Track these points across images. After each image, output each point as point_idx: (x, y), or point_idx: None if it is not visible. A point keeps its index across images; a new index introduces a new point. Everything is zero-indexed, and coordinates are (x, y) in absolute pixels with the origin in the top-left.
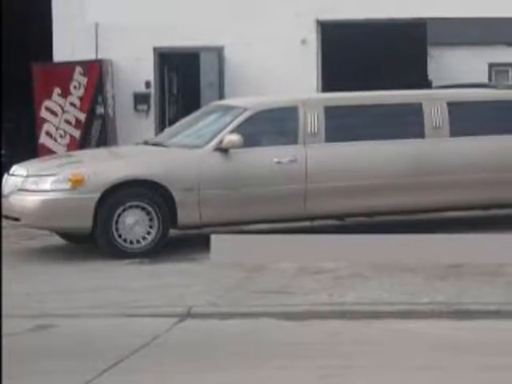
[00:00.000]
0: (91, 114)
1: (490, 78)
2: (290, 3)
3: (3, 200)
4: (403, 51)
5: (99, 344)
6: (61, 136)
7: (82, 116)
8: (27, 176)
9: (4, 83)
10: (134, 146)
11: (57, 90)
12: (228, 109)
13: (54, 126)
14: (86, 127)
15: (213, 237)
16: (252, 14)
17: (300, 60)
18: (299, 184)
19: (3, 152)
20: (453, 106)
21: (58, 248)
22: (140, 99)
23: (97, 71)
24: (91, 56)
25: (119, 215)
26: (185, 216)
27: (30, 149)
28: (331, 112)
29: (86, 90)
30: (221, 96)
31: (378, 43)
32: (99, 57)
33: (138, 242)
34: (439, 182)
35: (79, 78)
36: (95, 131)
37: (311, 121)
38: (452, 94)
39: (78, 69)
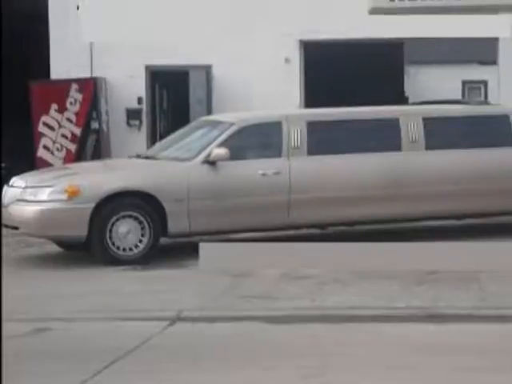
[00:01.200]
0: (86, 128)
1: (463, 95)
2: (275, 24)
3: (3, 210)
4: (381, 69)
5: (94, 346)
6: (58, 149)
7: (78, 130)
8: (26, 187)
9: (4, 100)
10: (127, 159)
11: (54, 106)
12: (216, 124)
13: (51, 140)
14: (81, 141)
15: (201, 245)
16: (238, 35)
17: (284, 78)
18: (283, 195)
19: (3, 165)
20: (428, 121)
21: (54, 255)
22: (132, 115)
23: (91, 88)
24: (86, 74)
25: (113, 224)
26: (175, 225)
27: (29, 162)
28: (313, 127)
29: (81, 106)
30: (209, 112)
31: (358, 62)
32: (94, 75)
33: (130, 249)
34: (415, 192)
35: (75, 95)
36: (90, 145)
37: (294, 135)
38: (427, 110)
39: (74, 86)
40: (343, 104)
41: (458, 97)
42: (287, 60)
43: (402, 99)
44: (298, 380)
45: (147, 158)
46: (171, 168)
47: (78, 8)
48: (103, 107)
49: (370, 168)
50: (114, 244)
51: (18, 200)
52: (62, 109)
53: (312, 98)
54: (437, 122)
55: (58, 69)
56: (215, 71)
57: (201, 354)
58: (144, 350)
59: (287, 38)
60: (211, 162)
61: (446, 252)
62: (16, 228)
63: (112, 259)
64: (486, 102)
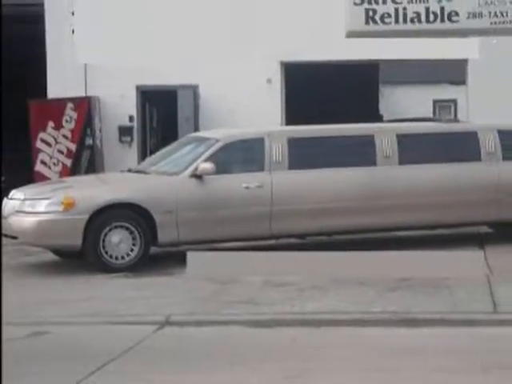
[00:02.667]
0: (81, 144)
1: (434, 113)
2: (257, 47)
3: (3, 220)
4: (358, 89)
5: (88, 348)
6: (54, 164)
7: (73, 146)
8: (24, 199)
9: (4, 117)
10: (119, 173)
11: (50, 124)
12: (202, 140)
13: (48, 155)
14: (76, 156)
15: (189, 253)
16: (223, 56)
17: (266, 97)
18: (265, 207)
19: (3, 178)
20: (401, 138)
21: (51, 263)
22: (124, 132)
23: (86, 107)
24: (81, 93)
25: (106, 234)
26: (164, 235)
27: (27, 175)
28: (294, 143)
29: (76, 123)
30: (196, 129)
31: (336, 82)
32: (88, 94)
33: (122, 257)
34: (389, 204)
35: (70, 113)
36: (84, 160)
37: (276, 151)
38: (400, 127)
39: (70, 105)
40: (322, 122)
41: (430, 115)
42: (269, 80)
43: (376, 117)
44: (280, 380)
45: (138, 172)
46: (161, 181)
47: (73, 32)
48: (97, 125)
49: (347, 181)
50: (107, 253)
51: (17, 211)
52: (58, 126)
53: (292, 116)
54: (409, 138)
55: (55, 89)
56: (202, 91)
57: (188, 356)
58: (135, 352)
59: (269, 60)
60: (198, 176)
61: (418, 260)
62: (15, 237)
63: (105, 267)
64: (455, 119)
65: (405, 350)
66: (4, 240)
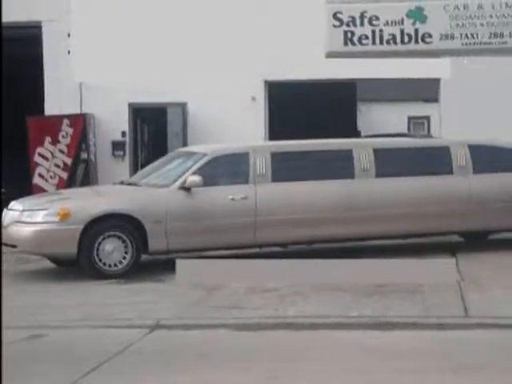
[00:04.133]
0: (76, 158)
1: (408, 129)
2: (242, 66)
3: (3, 230)
4: (337, 106)
5: (83, 350)
6: (51, 177)
7: (69, 160)
8: (23, 210)
9: (4, 133)
10: (112, 186)
11: (48, 139)
12: (190, 154)
13: (45, 168)
14: (72, 170)
15: (178, 261)
16: (211, 76)
17: (250, 114)
18: (250, 217)
19: (3, 190)
20: (378, 152)
21: (48, 270)
22: (117, 146)
23: (81, 123)
24: (76, 110)
25: (100, 243)
26: (154, 244)
27: (26, 188)
28: (277, 157)
29: (72, 138)
30: (184, 144)
31: (316, 100)
32: (83, 111)
33: (115, 265)
34: (366, 215)
35: (66, 129)
36: (80, 173)
37: (260, 164)
38: (377, 142)
39: (66, 121)
40: (303, 137)
41: (404, 131)
42: (253, 98)
43: (355, 133)
44: (264, 381)
45: (130, 184)
46: (151, 193)
47: (69, 52)
48: (91, 140)
49: (327, 193)
50: (100, 260)
51: (16, 221)
52: (54, 141)
53: (275, 132)
54: (385, 152)
55: (52, 106)
56: (190, 108)
57: (177, 358)
58: (127, 354)
59: (253, 79)
60: (187, 188)
61: (393, 267)
62: (14, 246)
63: (99, 274)
64: (428, 135)
65: (380, 352)
66: (4, 248)
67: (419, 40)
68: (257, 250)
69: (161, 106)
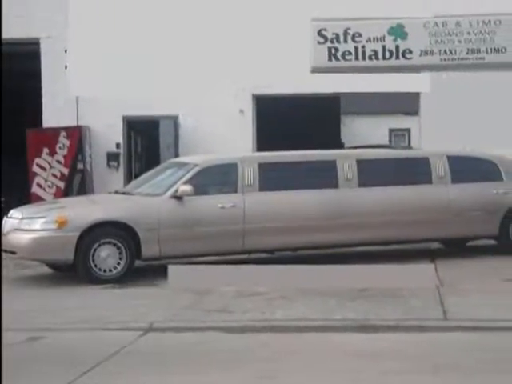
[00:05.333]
0: (73, 169)
1: (390, 141)
2: (231, 81)
3: (3, 237)
4: (321, 119)
5: (79, 352)
6: (49, 186)
7: (66, 171)
8: (22, 218)
9: (4, 145)
10: (107, 195)
11: (45, 150)
12: (182, 165)
13: (43, 178)
14: (68, 179)
15: (170, 267)
16: (201, 90)
17: (239, 126)
18: (238, 225)
19: (3, 199)
20: (360, 163)
21: (46, 275)
22: (111, 157)
23: (77, 135)
24: (73, 123)
25: (95, 249)
26: (147, 250)
27: (25, 197)
28: (264, 167)
29: (68, 150)
30: (176, 155)
31: (302, 113)
32: (79, 123)
33: (110, 270)
34: (350, 223)
35: (63, 141)
36: (76, 183)
37: (248, 174)
38: (360, 153)
39: (63, 133)
40: (289, 148)
41: (386, 142)
42: (242, 111)
43: (338, 144)
44: (252, 381)
45: (124, 193)
46: (144, 202)
47: (66, 67)
48: (87, 151)
49: (312, 202)
50: (96, 266)
51: (16, 229)
52: (52, 152)
53: (263, 143)
54: (368, 163)
55: (49, 118)
56: (181, 121)
57: (170, 359)
58: (121, 356)
59: (242, 93)
60: (178, 197)
61: (376, 273)
62: (14, 253)
63: (94, 279)
64: (409, 146)
65: (364, 354)
66: (4, 255)
67: (400, 56)
68: (245, 256)
69: (153, 119)
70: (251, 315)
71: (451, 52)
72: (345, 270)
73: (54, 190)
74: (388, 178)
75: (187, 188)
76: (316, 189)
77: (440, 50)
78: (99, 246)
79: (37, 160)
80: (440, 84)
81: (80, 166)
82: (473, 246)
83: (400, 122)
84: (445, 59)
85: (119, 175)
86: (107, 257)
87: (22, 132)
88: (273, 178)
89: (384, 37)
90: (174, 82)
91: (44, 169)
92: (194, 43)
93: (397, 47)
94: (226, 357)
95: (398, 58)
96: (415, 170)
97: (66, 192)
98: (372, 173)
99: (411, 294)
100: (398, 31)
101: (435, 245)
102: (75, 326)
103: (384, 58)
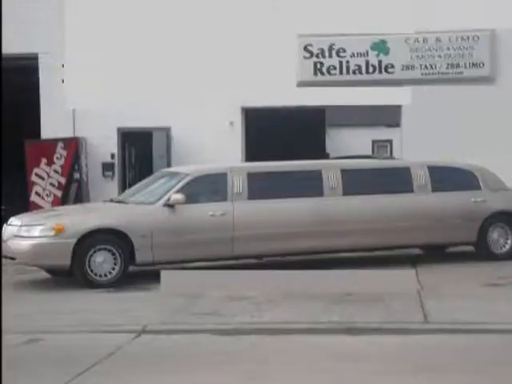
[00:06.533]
0: (70, 178)
1: (372, 151)
2: (221, 94)
3: (3, 244)
4: (307, 131)
5: (76, 353)
6: (47, 195)
7: (63, 180)
8: (21, 225)
9: (4, 155)
10: (103, 203)
11: (43, 160)
12: (174, 174)
13: (41, 187)
14: (65, 188)
15: (162, 272)
16: (192, 103)
17: (228, 137)
18: (228, 232)
19: (3, 207)
20: (345, 173)
21: (44, 280)
22: (107, 167)
23: (74, 146)
24: (70, 134)
25: (91, 255)
26: (141, 256)
27: (24, 205)
28: (252, 177)
29: (65, 160)
30: (168, 165)
31: (289, 125)
32: (76, 135)
33: (105, 275)
34: (335, 230)
35: (60, 151)
36: (73, 191)
37: (237, 183)
38: (344, 163)
39: (60, 144)
40: (277, 158)
41: (369, 153)
42: (231, 123)
43: (324, 155)
44: (242, 381)
45: (119, 202)
46: (138, 210)
47: (63, 82)
48: (83, 161)
49: (298, 210)
50: (92, 271)
51: (15, 236)
52: (50, 162)
53: (251, 154)
54: (352, 173)
55: (47, 130)
56: (174, 132)
57: (162, 360)
58: (116, 357)
59: (231, 106)
60: (170, 205)
61: (359, 278)
62: (13, 258)
63: (90, 283)
64: (391, 157)
65: (348, 355)
66: (4, 260)
67: (382, 70)
68: (234, 261)
69: (147, 131)
70: (240, 318)
71: (431, 66)
72: (330, 275)
73: (51, 198)
74: (371, 186)
75: (179, 197)
76: (302, 197)
77: (421, 65)
78: (95, 252)
79: (35, 170)
80: (421, 97)
81: (76, 175)
82: (452, 252)
83: (382, 133)
84: (425, 73)
85: (114, 184)
86: (102, 262)
87: (21, 143)
88: (261, 187)
89: (367, 52)
90: (166, 95)
91: (42, 178)
92: (186, 59)
93: (379, 62)
94: (216, 358)
95: (380, 72)
96: (397, 180)
97: (63, 200)
98: (356, 182)
99: (393, 298)
100: (381, 47)
101: (416, 251)
102: (72, 329)
103: (367, 72)
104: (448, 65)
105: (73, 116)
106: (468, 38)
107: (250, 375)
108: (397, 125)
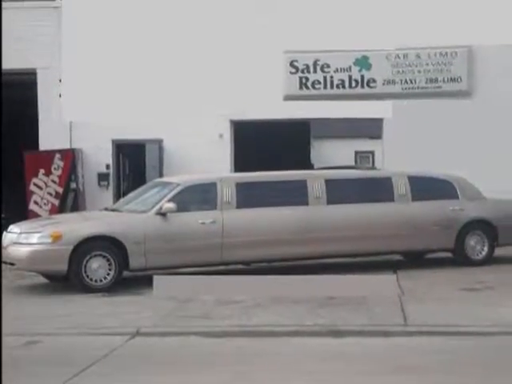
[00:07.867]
0: (67, 188)
1: (355, 162)
2: (211, 107)
3: (3, 250)
4: (293, 142)
5: (73, 355)
6: (45, 204)
7: (60, 189)
8: (20, 233)
9: (4, 166)
10: (98, 211)
11: (42, 171)
12: (166, 184)
13: (39, 196)
14: (63, 198)
15: (155, 277)
16: (183, 116)
17: (218, 149)
18: (217, 239)
19: (3, 215)
20: (329, 182)
21: (42, 285)
22: (102, 177)
23: (71, 157)
24: (66, 146)
25: (87, 261)
26: (134, 262)
27: (23, 213)
28: (241, 186)
29: (63, 170)
30: (160, 175)
31: (275, 137)
32: (72, 146)
33: (100, 280)
34: (319, 237)
35: (58, 162)
36: (70, 200)
37: (226, 193)
38: (328, 173)
39: (57, 155)
40: (264, 169)
41: (352, 163)
42: (221, 135)
43: (308, 165)
44: (231, 381)
45: (113, 210)
46: (132, 218)
47: (60, 96)
48: (80, 171)
49: (284, 218)
50: (87, 276)
51: (14, 243)
52: (48, 173)
53: (240, 165)
54: (336, 182)
55: (45, 142)
56: (166, 144)
57: (155, 361)
58: (111, 358)
59: (221, 118)
60: (162, 214)
61: (343, 282)
62: (13, 264)
63: (86, 288)
64: (373, 167)
65: (332, 356)
66: (4, 266)
67: (365, 85)
68: (223, 267)
69: (140, 143)
70: (229, 321)
71: (411, 81)
72: (315, 280)
73: (49, 207)
74: (354, 196)
75: (171, 205)
76: (288, 206)
77: (401, 80)
78: (91, 258)
79: (34, 180)
80: (401, 110)
81: (73, 185)
82: (431, 258)
83: (365, 145)
84: (405, 88)
85: (109, 193)
86: (98, 268)
87: (20, 155)
88: (249, 196)
89: (350, 67)
90: (158, 109)
91: (40, 188)
92: (177, 74)
93: (362, 77)
94: (206, 359)
95: (363, 86)
96: (379, 189)
97: (61, 209)
98: (339, 191)
99: (375, 302)
100: (363, 62)
101: (397, 257)
102: (69, 331)
103: (350, 86)
104: (427, 80)
105: (69, 128)
106: (446, 54)
107: (239, 376)
108: (378, 137)
